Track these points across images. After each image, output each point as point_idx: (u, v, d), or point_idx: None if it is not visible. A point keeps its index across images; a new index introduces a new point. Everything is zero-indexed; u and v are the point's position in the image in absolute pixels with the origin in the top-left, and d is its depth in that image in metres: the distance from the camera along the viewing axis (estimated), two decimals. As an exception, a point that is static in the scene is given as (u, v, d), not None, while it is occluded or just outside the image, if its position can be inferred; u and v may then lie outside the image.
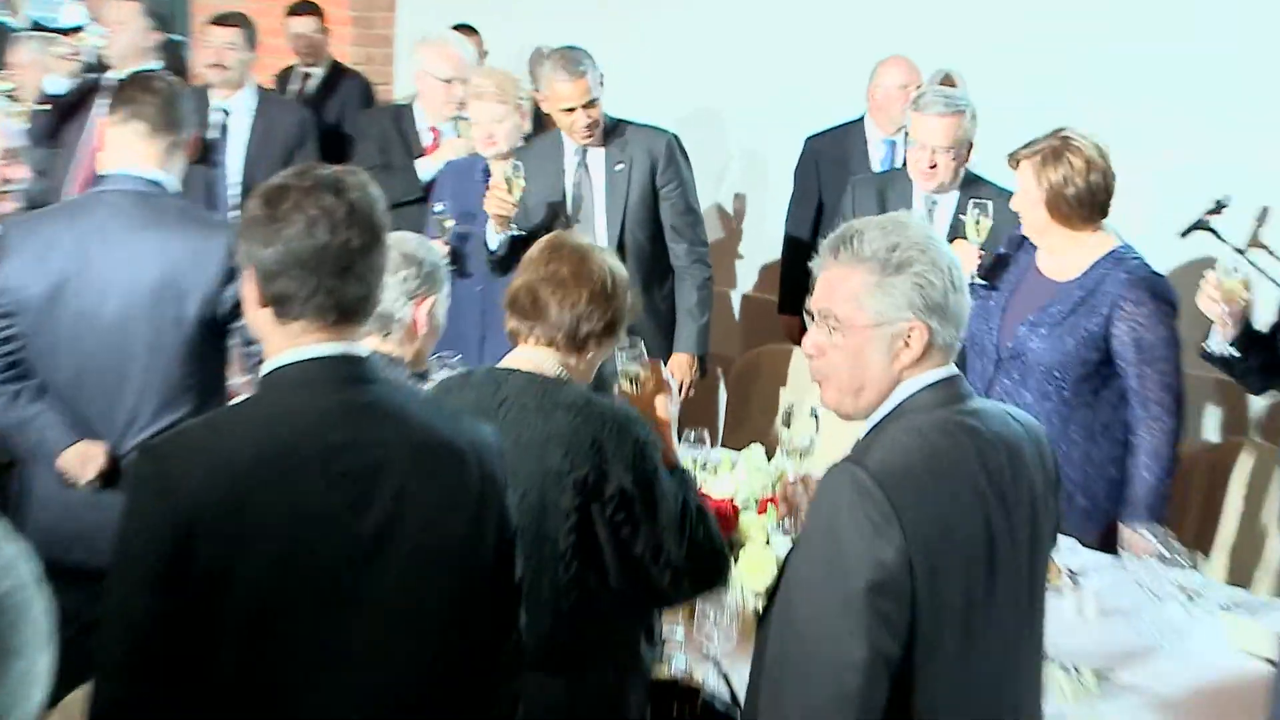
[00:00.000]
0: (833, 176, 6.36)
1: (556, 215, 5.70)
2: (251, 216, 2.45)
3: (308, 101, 7.63)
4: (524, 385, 3.22)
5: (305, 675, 2.36)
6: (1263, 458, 4.99)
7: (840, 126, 6.57)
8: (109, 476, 4.10)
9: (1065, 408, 4.40)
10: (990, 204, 4.77)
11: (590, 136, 5.65)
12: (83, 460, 4.10)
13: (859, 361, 2.60)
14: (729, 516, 4.00)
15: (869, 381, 2.61)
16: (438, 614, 2.47)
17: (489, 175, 5.67)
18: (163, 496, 2.30)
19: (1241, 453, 5.06)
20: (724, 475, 4.37)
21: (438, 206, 5.66)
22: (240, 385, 4.35)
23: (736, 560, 3.78)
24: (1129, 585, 3.96)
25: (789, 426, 3.97)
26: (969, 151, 5.14)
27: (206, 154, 6.09)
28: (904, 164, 5.34)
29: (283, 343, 2.45)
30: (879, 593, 2.41)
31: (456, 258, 5.60)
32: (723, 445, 5.01)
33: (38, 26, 8.15)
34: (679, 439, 3.74)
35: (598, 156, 5.74)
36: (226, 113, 6.45)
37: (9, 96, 6.05)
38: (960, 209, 4.96)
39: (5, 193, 4.28)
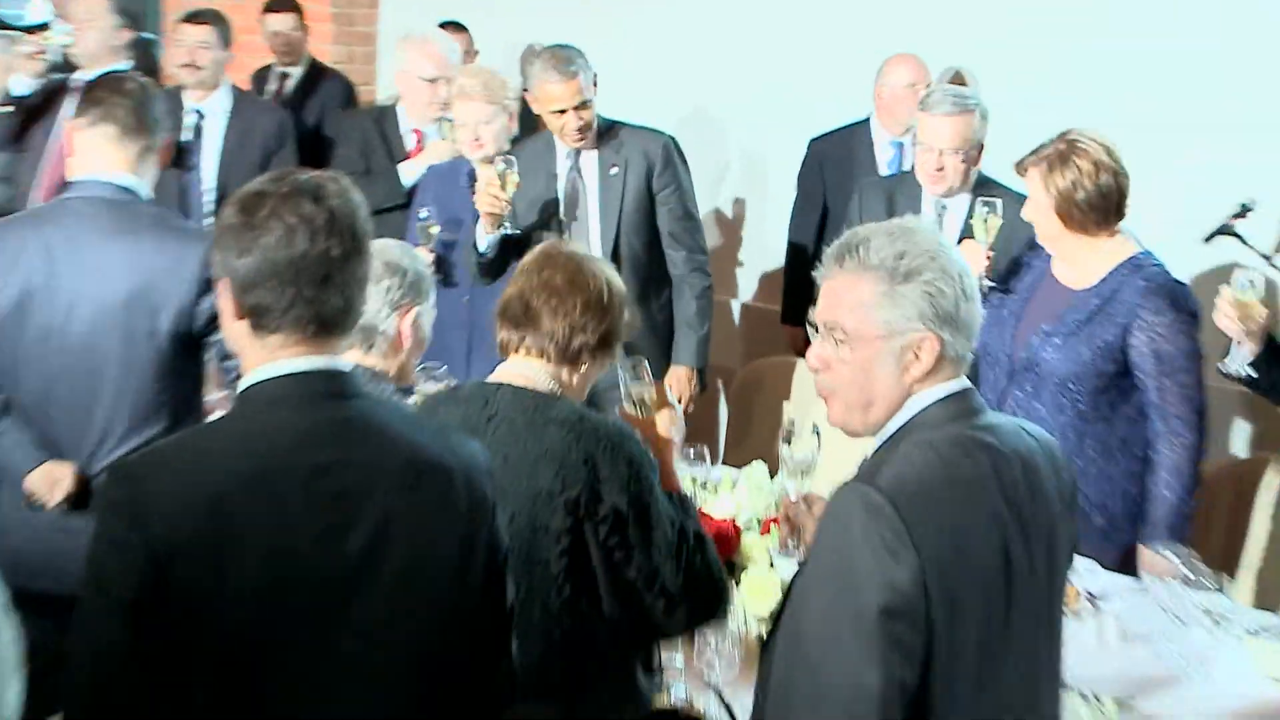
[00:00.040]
0: (838, 180, 6.37)
1: (549, 220, 5.70)
2: (226, 225, 2.44)
3: (286, 103, 7.63)
4: (514, 400, 3.22)
5: (287, 707, 2.36)
6: (1291, 474, 4.99)
7: (845, 128, 6.57)
8: (79, 499, 4.08)
9: (1081, 422, 4.40)
10: (999, 202, 4.77)
11: (582, 140, 5.64)
12: (49, 482, 4.08)
13: (867, 375, 2.60)
14: (730, 537, 4.00)
15: (878, 396, 2.61)
16: (426, 641, 2.46)
17: (474, 180, 5.66)
18: (135, 520, 2.29)
19: (1269, 469, 5.05)
20: (724, 495, 4.37)
21: (422, 213, 5.65)
22: (217, 402, 4.34)
23: (739, 584, 3.77)
24: (1151, 609, 3.96)
25: (790, 444, 3.97)
26: (980, 153, 5.12)
27: (180, 159, 6.08)
28: (913, 167, 5.33)
29: (260, 357, 2.44)
30: (893, 617, 2.40)
31: (442, 266, 5.60)
32: (723, 463, 5.01)
33: (0, 24, 8.14)
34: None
35: (591, 160, 5.73)
36: (201, 115, 6.46)
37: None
38: (971, 214, 4.95)
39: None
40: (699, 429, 6.19)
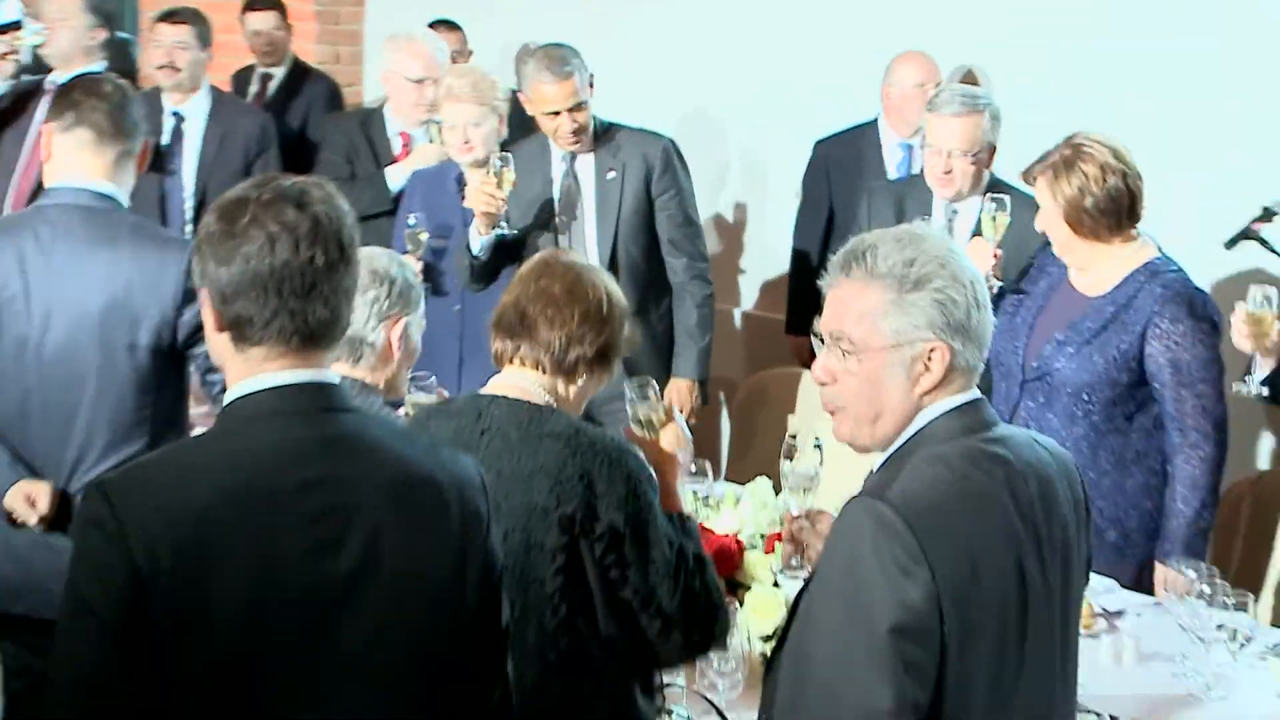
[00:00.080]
0: (844, 184, 6.38)
1: (545, 225, 5.69)
2: (207, 233, 2.45)
3: (268, 105, 7.63)
4: (508, 413, 3.24)
5: (276, 727, 2.37)
6: (1316, 488, 4.99)
7: (852, 129, 6.59)
8: (58, 518, 4.06)
9: (1094, 433, 4.41)
10: (1007, 198, 4.79)
11: (577, 143, 5.64)
12: (25, 501, 4.07)
13: (875, 387, 2.61)
14: (733, 554, 4.01)
15: (886, 409, 2.63)
16: (418, 663, 2.47)
17: (463, 184, 5.66)
18: (115, 539, 2.29)
19: (1292, 483, 5.07)
20: (727, 511, 4.38)
21: (411, 219, 5.65)
22: (201, 417, 4.35)
23: (741, 604, 3.79)
24: (1169, 628, 3.96)
25: (791, 459, 3.98)
26: (991, 155, 5.12)
27: (158, 164, 6.10)
28: (922, 170, 5.34)
29: (244, 370, 2.45)
30: (905, 637, 2.42)
31: (431, 274, 5.61)
32: (726, 479, 5.02)
33: (-33, 24, 8.13)
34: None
35: (587, 164, 5.73)
36: (180, 118, 6.47)
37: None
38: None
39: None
40: (700, 443, 6.14)
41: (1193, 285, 4.39)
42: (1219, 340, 4.34)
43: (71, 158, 4.15)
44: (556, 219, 5.72)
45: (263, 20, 7.94)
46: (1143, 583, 4.37)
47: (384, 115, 6.54)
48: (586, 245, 5.70)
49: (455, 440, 3.16)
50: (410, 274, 3.83)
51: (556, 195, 5.74)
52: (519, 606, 2.97)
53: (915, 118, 6.08)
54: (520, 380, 3.30)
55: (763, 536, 4.22)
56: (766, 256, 7.55)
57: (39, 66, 6.67)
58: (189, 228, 6.19)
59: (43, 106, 5.86)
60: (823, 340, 2.69)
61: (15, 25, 6.68)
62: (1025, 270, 4.71)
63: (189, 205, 6.33)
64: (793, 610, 2.67)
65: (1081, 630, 2.88)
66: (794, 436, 4.03)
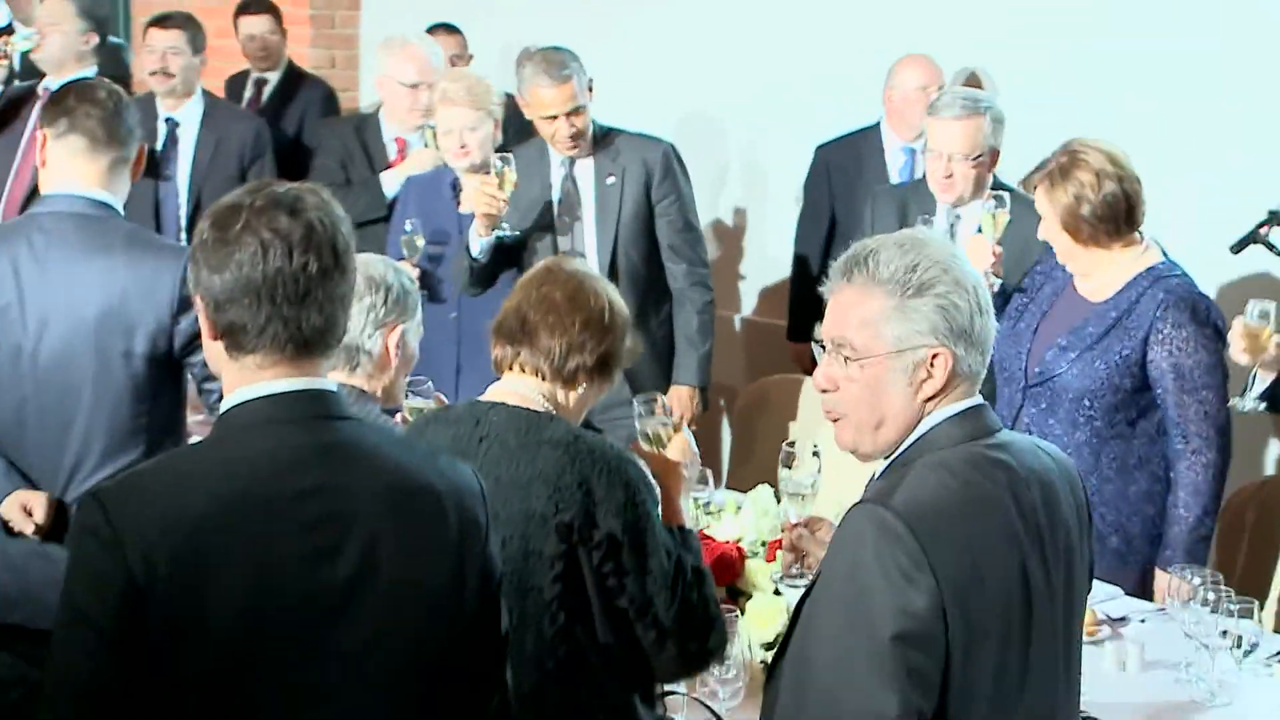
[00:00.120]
0: (846, 189, 6.39)
1: (544, 230, 5.69)
2: (201, 240, 2.46)
3: (263, 110, 7.65)
4: (507, 420, 3.26)
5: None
6: (1323, 494, 5.00)
7: (854, 133, 6.59)
8: (55, 527, 4.08)
9: (1097, 440, 4.43)
10: (1007, 196, 4.80)
11: (575, 147, 5.64)
12: (22, 510, 4.08)
13: (877, 394, 2.63)
14: (734, 561, 4.03)
15: (889, 416, 2.64)
16: (416, 671, 2.48)
17: (458, 190, 5.67)
18: (111, 548, 2.30)
19: (1298, 489, 5.08)
20: (728, 519, 4.39)
21: (407, 225, 5.65)
22: (199, 425, 4.35)
23: (742, 611, 3.80)
24: (1173, 635, 3.97)
25: (789, 468, 3.98)
26: (993, 159, 5.13)
27: (153, 170, 6.11)
28: (924, 174, 5.34)
29: (239, 378, 2.46)
30: (909, 644, 2.43)
31: (428, 280, 5.61)
32: (727, 486, 5.03)
33: (-44, 30, 8.14)
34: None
35: (586, 168, 5.73)
36: (174, 124, 6.48)
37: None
38: (983, 216, 4.97)
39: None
40: (701, 450, 6.18)
41: (1196, 290, 4.40)
42: (1222, 346, 4.34)
43: (65, 165, 4.15)
44: (555, 224, 5.72)
45: (257, 24, 7.94)
46: (1146, 589, 4.38)
47: (379, 120, 6.55)
48: (586, 251, 5.70)
49: (453, 447, 3.18)
50: (407, 280, 3.84)
51: (555, 200, 5.73)
52: (517, 614, 2.98)
53: (918, 121, 6.06)
54: (520, 387, 3.32)
55: (764, 544, 4.23)
56: (767, 262, 7.55)
57: (29, 72, 6.67)
58: (184, 234, 6.21)
59: (36, 112, 5.86)
60: (824, 347, 2.70)
61: (7, 30, 6.70)
62: (1028, 273, 4.71)
63: (184, 211, 6.34)
64: (794, 617, 2.68)
65: (1085, 637, 2.89)
66: (792, 444, 4.04)
